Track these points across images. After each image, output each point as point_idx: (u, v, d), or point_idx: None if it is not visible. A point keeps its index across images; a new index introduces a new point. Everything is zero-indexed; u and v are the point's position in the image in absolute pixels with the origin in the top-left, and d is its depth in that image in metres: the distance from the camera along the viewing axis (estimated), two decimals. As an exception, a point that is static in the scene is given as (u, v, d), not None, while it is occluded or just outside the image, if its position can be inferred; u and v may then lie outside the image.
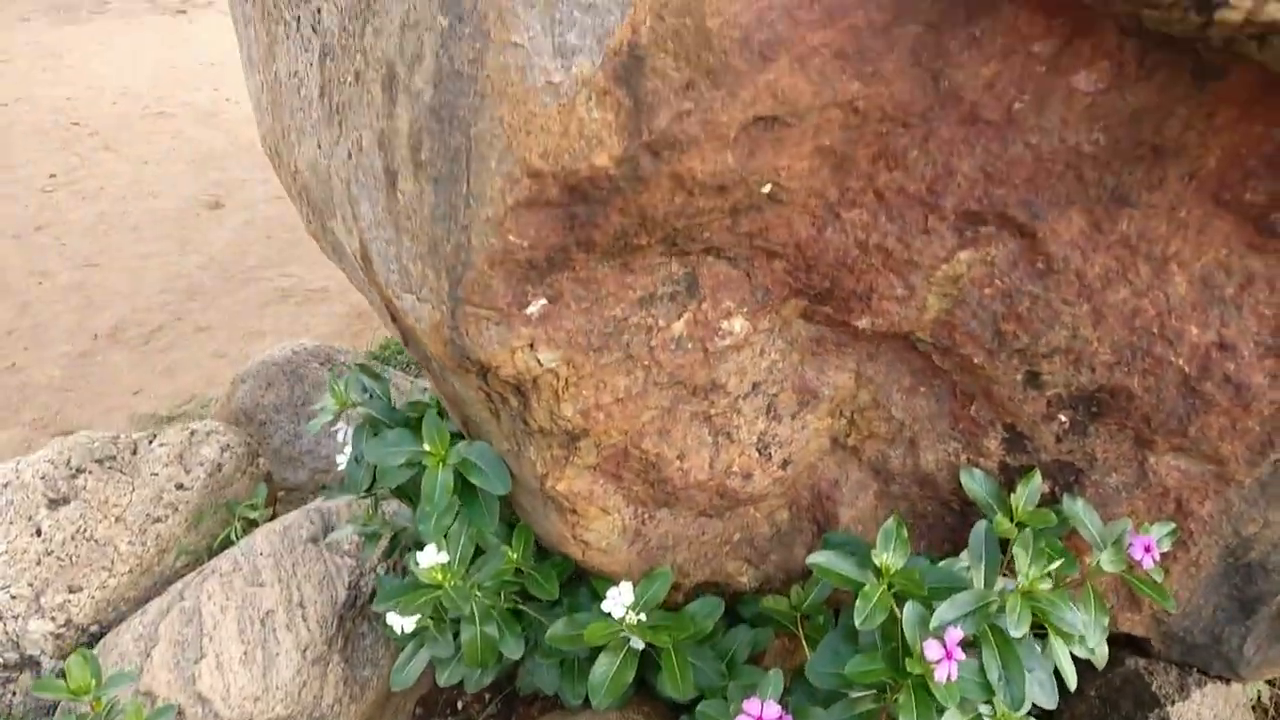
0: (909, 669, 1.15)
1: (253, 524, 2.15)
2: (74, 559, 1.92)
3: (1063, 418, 1.29)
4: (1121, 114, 0.99)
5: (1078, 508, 1.33)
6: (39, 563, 1.90)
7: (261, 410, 2.49)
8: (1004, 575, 1.30)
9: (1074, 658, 1.34)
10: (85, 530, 1.95)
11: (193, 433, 2.11)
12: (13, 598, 1.87)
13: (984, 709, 1.21)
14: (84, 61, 6.57)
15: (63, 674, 1.42)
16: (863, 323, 1.24)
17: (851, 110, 0.98)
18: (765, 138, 0.98)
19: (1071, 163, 1.04)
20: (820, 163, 1.04)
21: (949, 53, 0.96)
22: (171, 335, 3.46)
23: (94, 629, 1.93)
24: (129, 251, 4.02)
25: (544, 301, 1.13)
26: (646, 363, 1.22)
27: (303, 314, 3.55)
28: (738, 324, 1.23)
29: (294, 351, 2.60)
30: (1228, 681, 1.56)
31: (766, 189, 1.05)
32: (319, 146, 1.28)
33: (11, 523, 1.93)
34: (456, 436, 1.52)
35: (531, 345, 1.15)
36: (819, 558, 1.29)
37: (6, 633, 1.85)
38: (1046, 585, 1.23)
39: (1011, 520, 1.30)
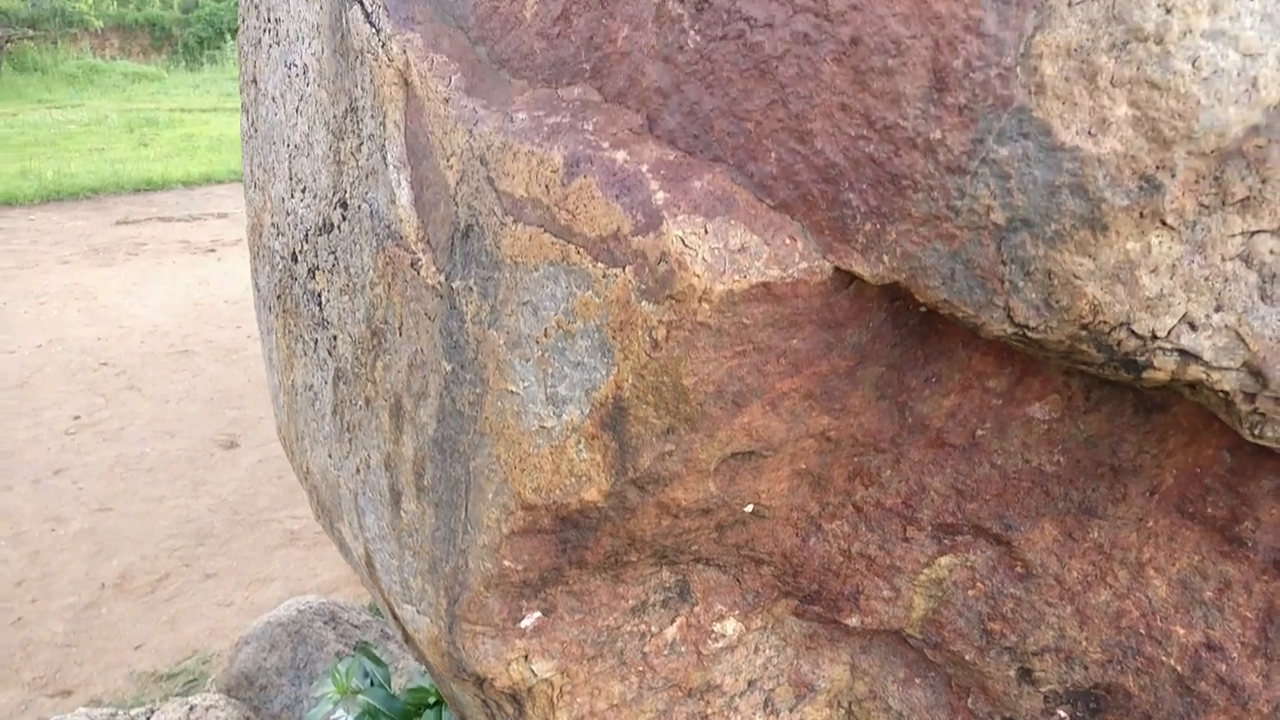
0: None
1: (245, 803, 2.08)
2: None
3: (1062, 713, 1.28)
4: (1077, 439, 1.05)
5: (1088, 807, 1.29)
6: None
7: (263, 674, 2.46)
8: None
9: None
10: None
11: (191, 708, 2.08)
12: None
13: None
14: (118, 301, 6.93)
15: None
16: (853, 621, 1.26)
17: (824, 439, 1.06)
18: (744, 467, 1.04)
19: (1037, 480, 1.10)
20: (799, 482, 1.11)
21: (911, 388, 1.04)
22: (178, 583, 3.46)
23: None
24: (142, 494, 4.09)
25: (538, 614, 1.16)
26: (641, 668, 1.23)
27: (311, 558, 3.57)
28: (730, 626, 1.26)
29: (299, 610, 2.60)
30: None
31: (749, 508, 1.10)
32: (330, 456, 1.36)
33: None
34: (454, 729, 1.50)
35: (526, 657, 1.17)
36: None
37: None
38: None
39: (1020, 823, 1.27)
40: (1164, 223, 0.81)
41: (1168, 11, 0.76)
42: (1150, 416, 1.02)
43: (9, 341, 6.01)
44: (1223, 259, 0.83)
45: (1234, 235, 0.82)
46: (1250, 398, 0.87)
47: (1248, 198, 0.80)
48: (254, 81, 1.55)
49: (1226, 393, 0.87)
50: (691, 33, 0.95)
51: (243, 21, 1.61)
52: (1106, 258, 0.83)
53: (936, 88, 0.83)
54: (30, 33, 23.78)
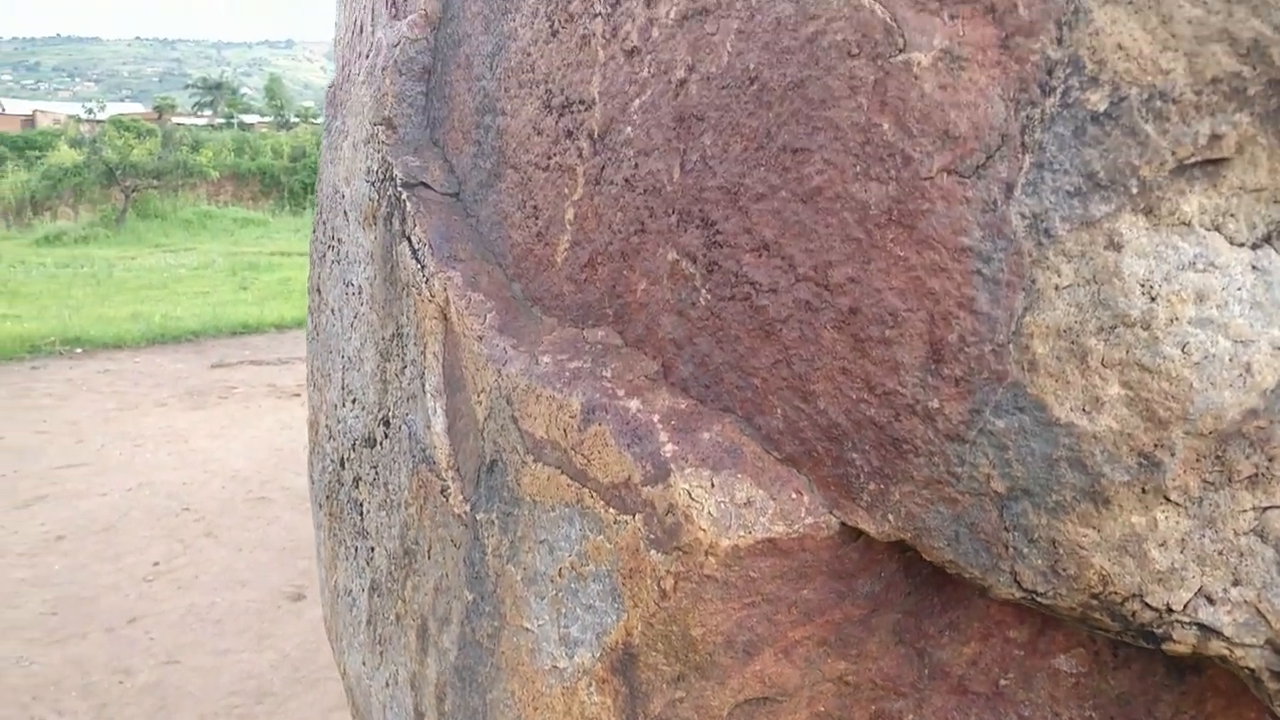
0: None
1: None
2: None
3: None
4: (1109, 695, 1.01)
5: None
6: None
7: None
8: None
9: None
10: None
11: None
12: None
13: None
14: (206, 445, 7.22)
15: None
16: None
17: (843, 683, 1.04)
18: (760, 712, 1.03)
19: (1069, 732, 1.05)
20: (819, 724, 1.08)
21: (930, 635, 1.03)
22: (234, 742, 3.46)
23: None
24: (209, 647, 4.15)
25: None
26: None
27: None
28: None
29: (343, 786, 2.56)
30: None
31: (768, 750, 1.08)
32: (363, 664, 1.38)
33: None
34: None
35: None
36: None
37: None
38: None
39: None
40: (1168, 499, 0.81)
41: (1152, 299, 0.78)
42: (1184, 678, 0.97)
43: (103, 484, 6.30)
44: (1235, 534, 0.81)
45: (1245, 511, 0.80)
46: (1278, 676, 0.84)
47: (1255, 475, 0.79)
48: (317, 290, 1.66)
49: (1252, 669, 0.84)
50: (703, 291, 1.00)
51: (313, 232, 1.74)
52: (1111, 530, 0.83)
53: (933, 359, 0.86)
54: (155, 183, 25.76)
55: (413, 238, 1.27)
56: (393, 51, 1.38)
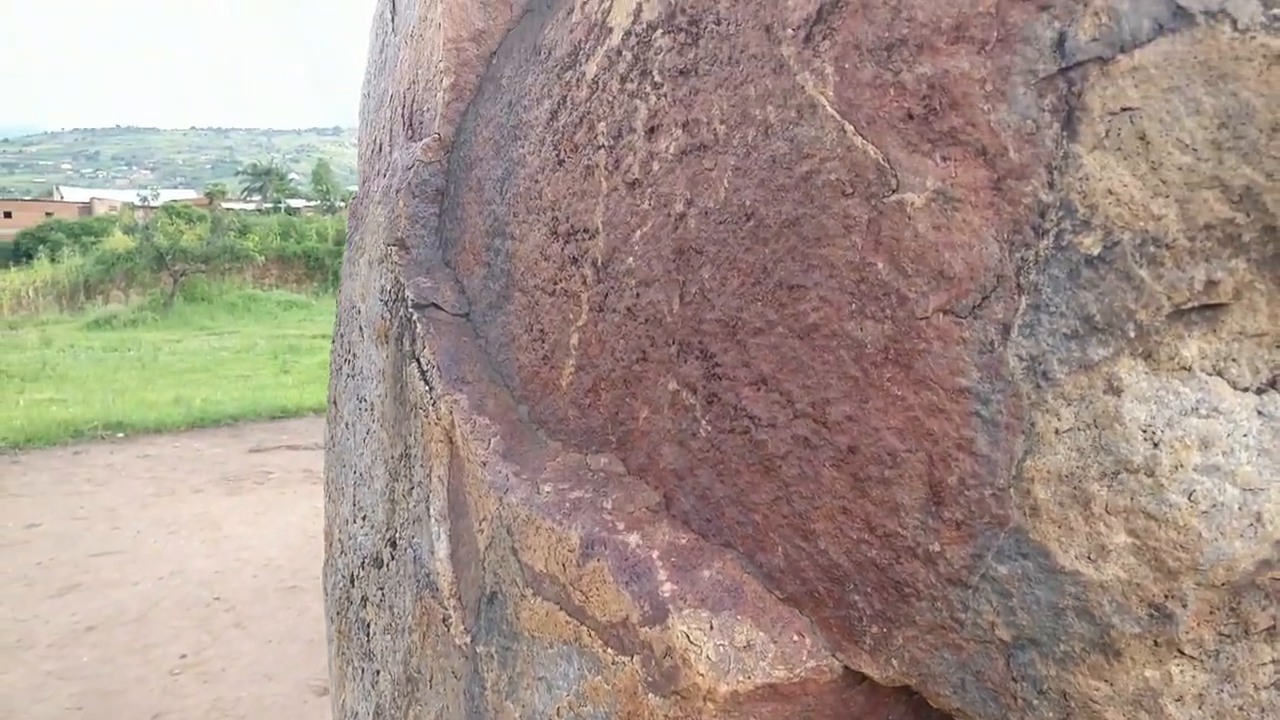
0: None
1: None
2: None
3: None
4: None
5: None
6: None
7: None
8: None
9: None
10: None
11: None
12: None
13: None
14: (239, 532, 7.26)
15: None
16: None
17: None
18: None
19: None
20: None
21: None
22: (252, 845, 3.39)
23: None
24: (232, 743, 4.11)
25: None
26: None
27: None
28: None
29: None
30: None
31: None
32: (366, 791, 1.35)
33: None
34: None
35: None
36: None
37: None
38: None
39: None
40: (1183, 652, 0.77)
41: (1155, 445, 0.75)
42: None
43: (136, 573, 6.34)
44: (1255, 688, 0.77)
45: (1264, 664, 0.76)
46: (1310, 842, 0.78)
47: (1273, 627, 0.76)
48: (334, 402, 1.67)
49: (1282, 834, 0.79)
50: (703, 422, 0.99)
51: (333, 343, 1.77)
52: (1125, 684, 0.79)
53: (934, 501, 0.84)
54: (203, 267, 26.51)
55: (421, 359, 1.29)
56: (407, 174, 1.41)
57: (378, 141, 1.65)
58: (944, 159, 0.85)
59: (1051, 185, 0.81)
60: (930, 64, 0.85)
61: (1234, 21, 0.74)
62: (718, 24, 1.01)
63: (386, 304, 1.40)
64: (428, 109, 1.44)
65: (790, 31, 0.94)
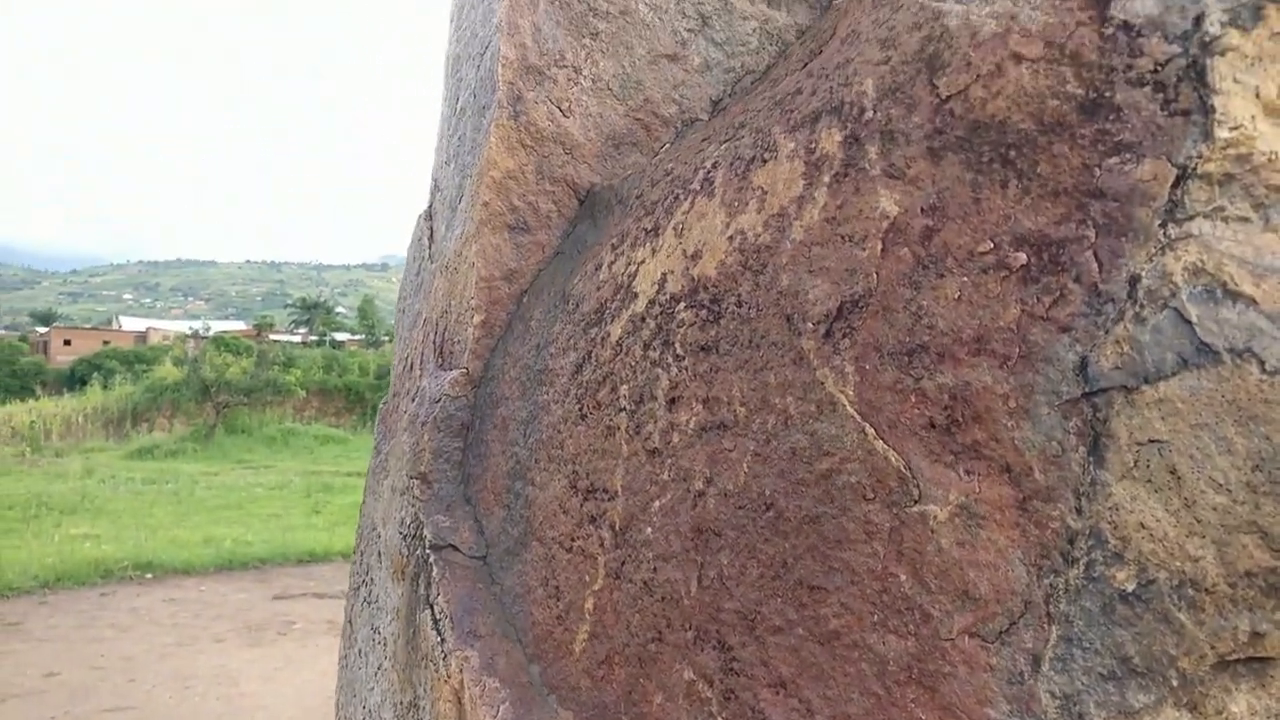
0: None
1: None
2: None
3: None
4: None
5: None
6: None
7: None
8: None
9: None
10: None
11: None
12: None
13: None
14: (256, 689, 7.08)
15: None
16: None
17: None
18: None
19: None
20: None
21: None
22: None
23: None
24: None
25: None
26: None
27: None
28: None
29: None
30: None
31: None
32: None
33: None
34: None
35: None
36: None
37: None
38: None
39: None
40: None
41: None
42: None
43: (148, 728, 6.18)
44: None
45: None
46: None
47: None
48: (349, 622, 1.64)
49: None
50: (719, 717, 0.94)
51: (353, 560, 1.75)
52: None
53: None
54: (245, 399, 26.97)
55: (435, 606, 1.26)
56: (434, 407, 1.42)
57: (409, 360, 1.68)
58: (967, 473, 0.83)
59: (1080, 512, 0.78)
60: (952, 374, 0.85)
61: (1261, 363, 0.73)
62: (739, 305, 1.02)
63: (405, 538, 1.38)
64: (458, 341, 1.46)
65: (810, 325, 0.94)
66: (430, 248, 1.72)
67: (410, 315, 1.81)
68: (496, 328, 1.42)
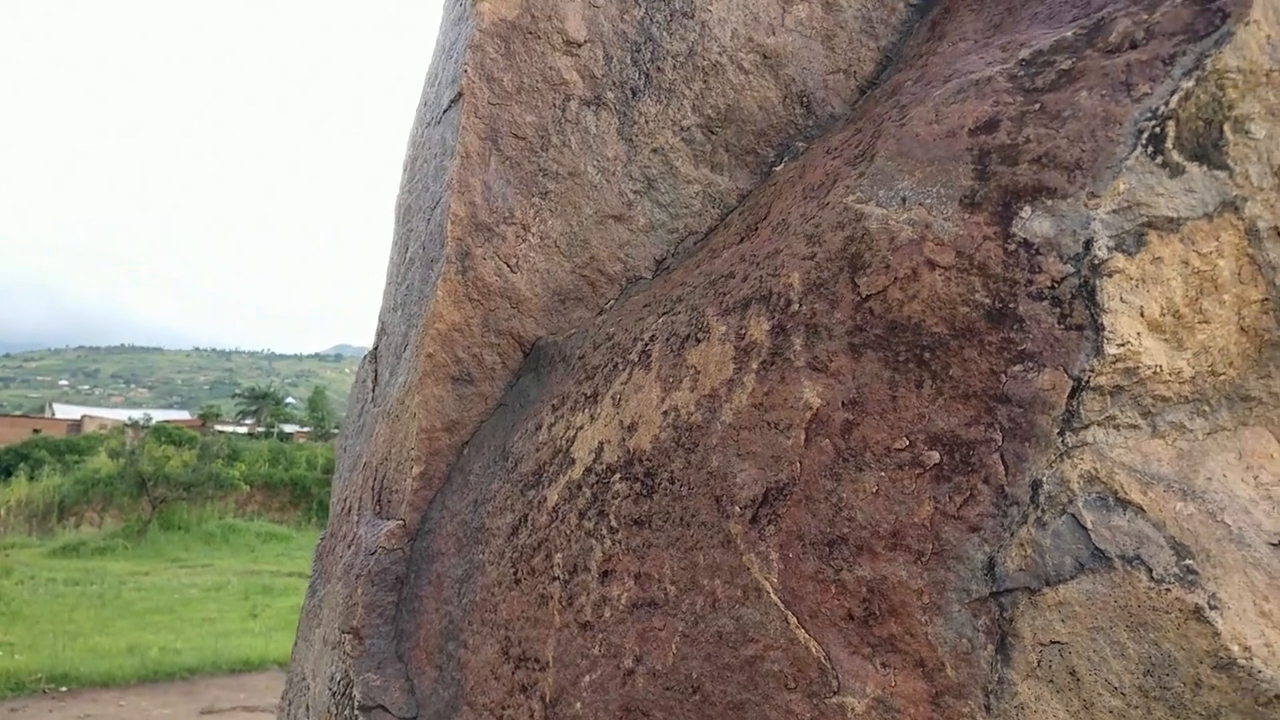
0: None
1: None
2: None
3: None
4: None
5: None
6: None
7: None
8: None
9: None
10: None
11: None
12: None
13: None
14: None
15: None
16: None
17: None
18: None
19: None
20: None
21: None
22: None
23: None
24: None
25: None
26: None
27: None
28: None
29: None
30: None
31: None
32: None
33: None
34: None
35: None
36: None
37: None
38: None
39: None
40: None
41: None
42: None
43: None
44: None
45: None
46: None
47: None
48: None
49: None
50: None
51: (280, 707, 1.70)
52: None
53: None
54: (184, 494, 26.02)
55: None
56: (369, 559, 1.43)
57: (348, 503, 1.68)
58: (884, 665, 0.86)
59: (989, 709, 0.81)
60: (870, 567, 0.88)
61: (1149, 570, 0.78)
62: (672, 482, 1.05)
63: (334, 695, 1.36)
64: (397, 491, 1.47)
65: (738, 509, 0.97)
66: (374, 391, 1.74)
67: (350, 456, 1.82)
68: (436, 479, 1.44)
